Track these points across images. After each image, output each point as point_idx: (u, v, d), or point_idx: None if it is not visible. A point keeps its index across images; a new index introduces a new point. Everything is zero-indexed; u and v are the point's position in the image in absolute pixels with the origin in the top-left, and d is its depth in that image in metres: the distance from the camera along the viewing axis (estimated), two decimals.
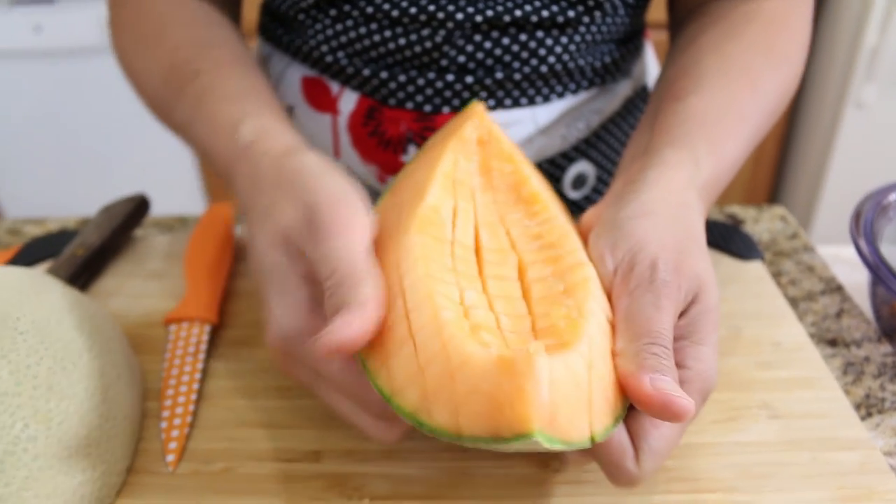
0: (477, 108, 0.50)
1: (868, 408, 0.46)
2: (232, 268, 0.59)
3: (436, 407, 0.31)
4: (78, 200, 1.80)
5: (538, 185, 0.45)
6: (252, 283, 0.53)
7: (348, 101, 0.62)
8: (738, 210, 0.68)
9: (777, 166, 1.90)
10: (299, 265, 0.37)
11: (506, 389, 0.29)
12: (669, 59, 0.54)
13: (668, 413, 0.30)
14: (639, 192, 0.40)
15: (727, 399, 0.46)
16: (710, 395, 0.36)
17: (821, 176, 1.72)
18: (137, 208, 0.64)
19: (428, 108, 0.60)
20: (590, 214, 0.42)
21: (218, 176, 0.47)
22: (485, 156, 0.48)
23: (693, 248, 0.38)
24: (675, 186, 0.40)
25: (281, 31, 0.64)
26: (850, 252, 0.63)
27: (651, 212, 0.38)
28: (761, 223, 0.66)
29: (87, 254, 0.57)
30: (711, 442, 0.43)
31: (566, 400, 0.30)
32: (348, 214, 0.36)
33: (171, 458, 0.43)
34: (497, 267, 0.40)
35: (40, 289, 0.43)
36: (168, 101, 0.51)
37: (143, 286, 0.58)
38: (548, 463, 0.42)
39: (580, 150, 0.65)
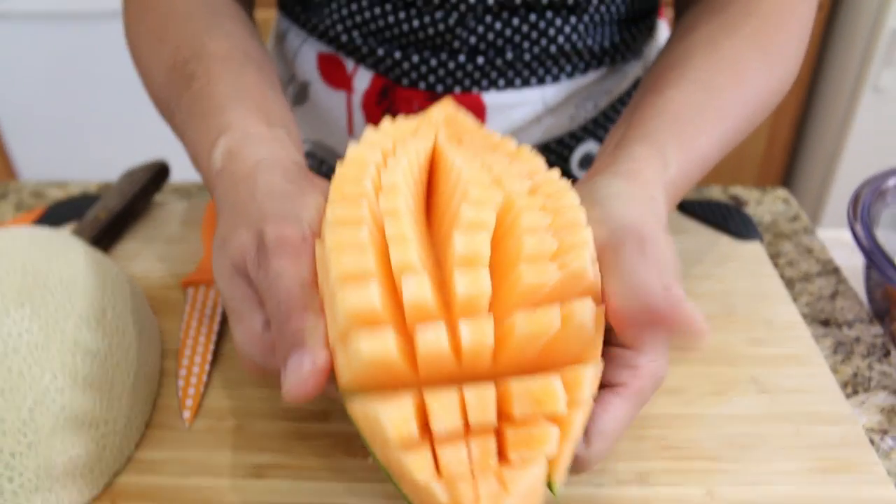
0: (445, 99, 0.51)
1: (855, 386, 0.48)
2: None
3: (402, 483, 0.30)
4: (95, 165, 1.82)
5: (516, 145, 0.43)
6: None
7: (363, 79, 0.63)
8: (741, 191, 0.69)
9: (791, 149, 1.89)
10: (252, 291, 0.37)
11: None
12: (664, 49, 0.53)
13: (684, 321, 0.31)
14: (612, 179, 0.40)
15: (717, 373, 0.48)
16: (660, 381, 0.35)
17: (835, 159, 1.72)
18: (158, 174, 0.66)
19: (440, 88, 0.61)
20: None
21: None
22: (453, 130, 0.47)
23: (666, 235, 0.37)
24: (643, 181, 0.40)
25: (298, 9, 0.65)
26: (850, 236, 0.64)
27: (628, 196, 0.39)
28: (764, 205, 0.67)
29: (109, 217, 0.59)
30: (700, 413, 0.45)
31: None
32: (292, 236, 0.36)
33: (187, 414, 0.45)
34: (477, 209, 0.35)
35: (67, 249, 0.45)
36: (169, 104, 0.50)
37: (162, 250, 0.60)
38: None
39: (588, 129, 0.67)
